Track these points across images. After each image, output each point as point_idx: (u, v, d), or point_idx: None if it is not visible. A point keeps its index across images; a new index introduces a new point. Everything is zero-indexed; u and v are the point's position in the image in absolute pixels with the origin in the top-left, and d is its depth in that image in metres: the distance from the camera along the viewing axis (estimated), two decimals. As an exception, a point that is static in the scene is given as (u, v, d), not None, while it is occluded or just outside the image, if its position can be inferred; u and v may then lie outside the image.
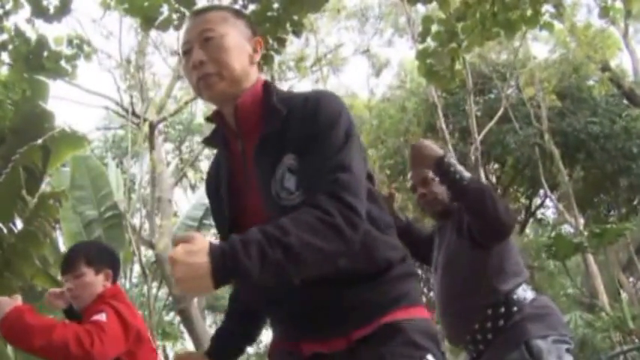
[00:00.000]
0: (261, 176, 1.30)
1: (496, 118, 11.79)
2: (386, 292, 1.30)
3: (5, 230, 6.15)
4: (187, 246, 1.06)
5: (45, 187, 7.49)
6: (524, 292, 2.09)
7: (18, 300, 2.17)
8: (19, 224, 6.39)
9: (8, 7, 5.00)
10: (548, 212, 15.18)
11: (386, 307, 1.29)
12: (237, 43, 1.37)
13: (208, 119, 1.46)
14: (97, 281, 2.33)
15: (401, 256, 1.35)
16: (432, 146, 2.09)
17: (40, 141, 5.97)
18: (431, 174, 2.25)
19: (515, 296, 2.07)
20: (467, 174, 2.05)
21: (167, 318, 14.76)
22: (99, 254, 2.41)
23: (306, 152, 1.26)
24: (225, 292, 20.41)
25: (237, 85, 1.35)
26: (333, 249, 1.15)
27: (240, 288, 1.45)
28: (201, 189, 10.48)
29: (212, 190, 1.46)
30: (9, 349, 6.87)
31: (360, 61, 29.71)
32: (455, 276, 2.16)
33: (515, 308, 2.05)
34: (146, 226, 9.12)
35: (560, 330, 2.04)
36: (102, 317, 2.15)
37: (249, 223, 1.19)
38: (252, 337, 1.67)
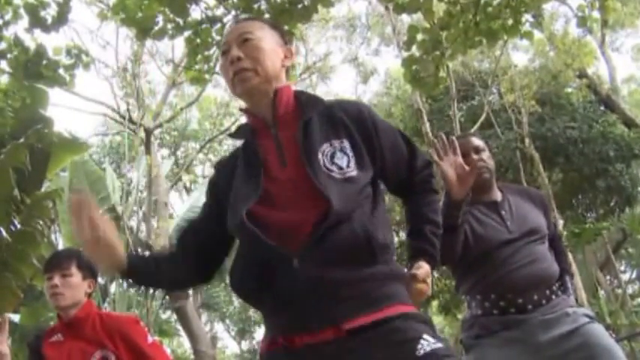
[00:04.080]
0: (306, 149, 1.38)
1: (479, 123, 11.97)
2: (380, 286, 1.31)
3: (3, 231, 6.29)
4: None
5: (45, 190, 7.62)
6: None
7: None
8: (19, 226, 6.53)
9: (7, 17, 5.12)
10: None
11: (380, 301, 1.29)
12: (272, 47, 1.48)
13: (232, 135, 1.60)
14: (81, 286, 2.35)
15: (394, 249, 1.41)
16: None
17: (22, 139, 6.07)
18: (482, 144, 2.36)
19: None
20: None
21: (164, 316, 14.81)
22: (88, 263, 2.41)
23: (382, 145, 1.46)
24: (219, 290, 20.52)
25: (269, 83, 1.45)
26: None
27: (237, 270, 1.41)
28: (196, 192, 10.64)
29: (225, 174, 1.51)
30: (9, 343, 7.02)
31: (348, 69, 29.98)
32: (543, 245, 2.29)
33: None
34: (143, 227, 9.26)
35: None
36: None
37: (280, 191, 1.37)
38: (160, 277, 1.59)
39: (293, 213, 1.33)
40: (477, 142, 2.36)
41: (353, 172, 1.38)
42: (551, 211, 2.56)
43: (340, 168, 1.38)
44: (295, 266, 1.27)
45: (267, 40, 1.49)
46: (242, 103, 1.56)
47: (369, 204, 1.38)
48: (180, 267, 1.55)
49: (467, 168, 2.00)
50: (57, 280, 2.30)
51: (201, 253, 1.55)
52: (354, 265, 1.29)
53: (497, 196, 2.37)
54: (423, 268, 1.48)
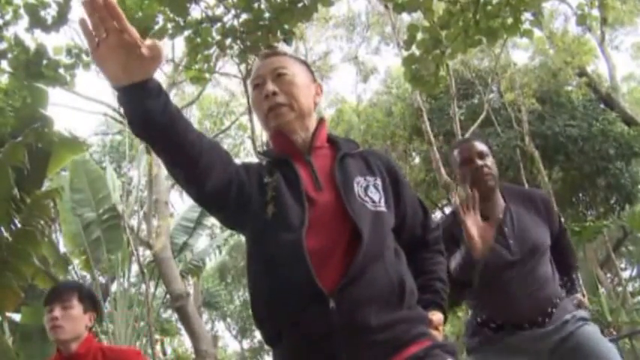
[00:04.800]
0: (342, 177, 1.42)
1: (479, 121, 12.00)
2: (410, 329, 1.32)
3: (3, 230, 6.29)
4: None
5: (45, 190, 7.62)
6: None
7: None
8: (19, 225, 6.53)
9: (8, 17, 5.10)
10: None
11: (409, 342, 1.30)
12: (305, 83, 1.52)
13: (261, 153, 1.55)
14: (82, 319, 2.31)
15: (417, 294, 1.42)
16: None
17: (20, 138, 6.03)
18: (485, 148, 2.32)
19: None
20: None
21: (165, 315, 14.88)
22: (90, 295, 2.40)
23: (405, 197, 1.51)
24: (220, 289, 20.49)
25: (303, 120, 1.48)
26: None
27: (266, 298, 1.37)
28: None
29: (253, 179, 1.44)
30: (10, 342, 7.04)
31: (348, 68, 29.98)
32: (545, 263, 2.25)
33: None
34: (143, 227, 9.26)
35: None
36: None
37: (315, 214, 1.35)
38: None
39: (324, 237, 1.32)
40: (480, 146, 2.31)
41: (383, 208, 1.41)
42: (555, 214, 2.49)
43: (373, 201, 1.41)
44: (332, 308, 1.25)
45: (300, 76, 1.51)
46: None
47: (393, 249, 1.39)
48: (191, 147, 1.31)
49: (486, 228, 2.00)
50: (57, 312, 2.26)
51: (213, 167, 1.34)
52: (385, 308, 1.29)
53: (500, 205, 2.31)
54: (437, 316, 1.51)
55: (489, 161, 2.28)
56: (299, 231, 1.31)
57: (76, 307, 2.30)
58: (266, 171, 1.45)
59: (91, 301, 2.38)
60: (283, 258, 1.32)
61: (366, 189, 1.42)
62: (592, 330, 2.19)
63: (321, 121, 1.52)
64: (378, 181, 1.45)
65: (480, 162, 2.26)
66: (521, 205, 2.35)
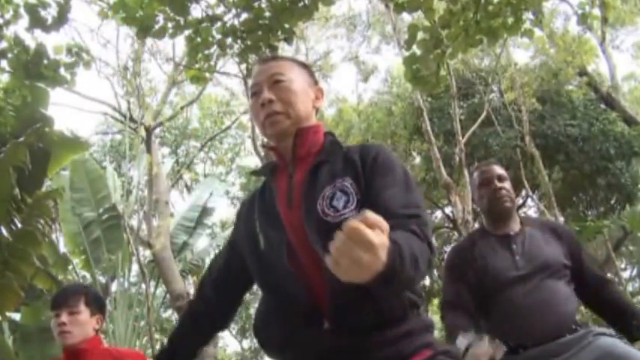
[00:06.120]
0: (307, 193, 1.34)
1: (479, 121, 11.98)
2: (413, 341, 1.29)
3: (4, 230, 6.28)
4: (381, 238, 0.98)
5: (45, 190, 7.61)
6: None
7: None
8: (20, 225, 6.52)
9: (7, 16, 5.06)
10: (530, 211, 15.46)
11: (410, 354, 1.27)
12: (303, 89, 1.48)
13: (254, 173, 1.60)
14: (90, 323, 2.34)
15: (421, 303, 1.35)
16: None
17: (22, 138, 6.02)
18: (504, 173, 2.45)
19: None
20: None
21: (165, 315, 14.87)
22: (96, 298, 2.43)
23: (381, 183, 1.32)
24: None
25: (300, 126, 1.45)
26: (422, 276, 1.22)
27: (261, 327, 1.39)
28: (197, 190, 10.67)
29: (247, 215, 1.49)
30: (10, 342, 7.04)
31: (349, 67, 30.01)
32: (558, 281, 2.26)
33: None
34: (144, 226, 9.25)
35: None
36: None
37: (289, 232, 1.33)
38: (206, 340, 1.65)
39: (302, 257, 1.31)
40: (500, 170, 2.47)
41: (352, 212, 1.29)
42: (580, 246, 2.49)
43: (337, 210, 1.31)
44: (326, 328, 1.24)
45: (298, 81, 1.48)
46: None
47: None
48: (217, 314, 1.60)
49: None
50: (64, 317, 2.28)
51: (232, 296, 1.59)
52: (384, 323, 1.26)
53: (515, 227, 2.39)
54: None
55: (507, 184, 2.42)
56: (281, 254, 1.31)
57: (83, 312, 2.32)
58: (252, 202, 1.49)
59: (98, 304, 2.40)
60: (275, 283, 1.34)
61: (331, 199, 1.32)
62: (614, 339, 2.19)
63: (299, 131, 1.44)
64: (347, 181, 1.34)
65: (498, 184, 2.41)
66: (538, 229, 2.41)
